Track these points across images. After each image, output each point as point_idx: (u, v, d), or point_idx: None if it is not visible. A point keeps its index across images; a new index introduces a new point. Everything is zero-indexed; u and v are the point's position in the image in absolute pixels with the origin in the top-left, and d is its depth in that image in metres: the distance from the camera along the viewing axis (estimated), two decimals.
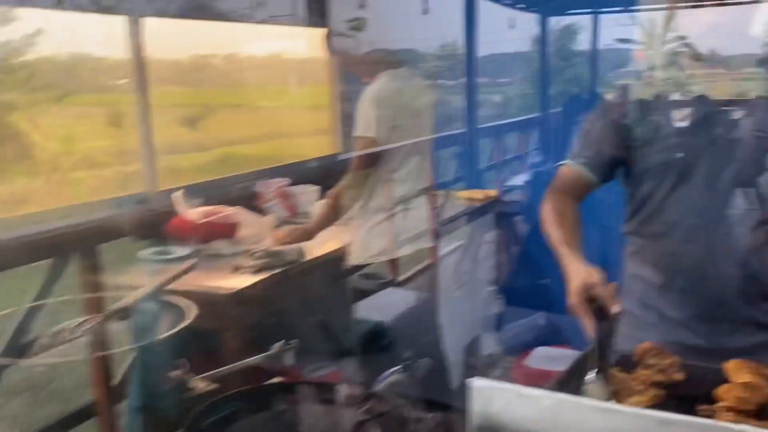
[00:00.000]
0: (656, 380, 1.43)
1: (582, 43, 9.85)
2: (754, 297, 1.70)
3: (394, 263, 3.79)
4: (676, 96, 1.74)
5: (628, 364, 1.52)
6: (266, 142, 4.85)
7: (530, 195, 4.50)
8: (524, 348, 3.09)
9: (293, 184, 3.56)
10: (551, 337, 3.18)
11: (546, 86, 7.76)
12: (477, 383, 1.01)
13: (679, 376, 1.45)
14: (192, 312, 1.84)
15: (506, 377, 2.91)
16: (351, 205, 3.40)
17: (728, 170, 1.66)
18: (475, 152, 6.03)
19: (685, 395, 1.38)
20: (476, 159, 6.06)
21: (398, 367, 1.87)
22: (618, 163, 1.80)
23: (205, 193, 3.15)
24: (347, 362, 2.93)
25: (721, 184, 1.66)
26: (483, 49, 6.34)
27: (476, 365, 2.72)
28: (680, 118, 1.72)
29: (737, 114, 1.69)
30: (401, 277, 3.89)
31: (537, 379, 3.03)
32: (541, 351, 3.23)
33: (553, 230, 1.68)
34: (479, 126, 6.22)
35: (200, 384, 1.80)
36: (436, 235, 4.74)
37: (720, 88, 1.71)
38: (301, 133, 4.51)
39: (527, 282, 3.73)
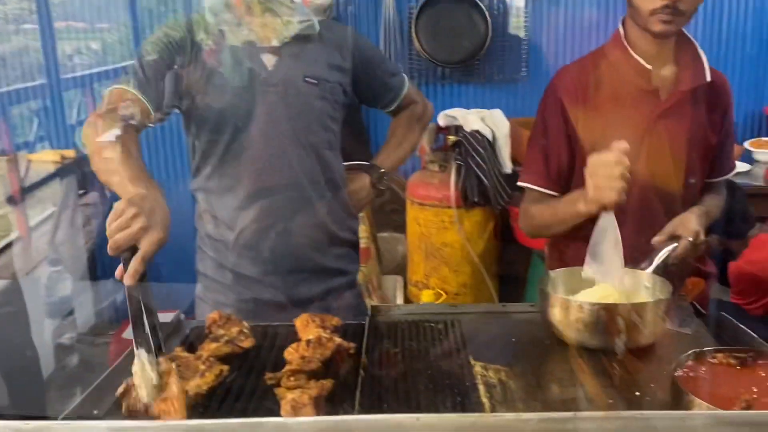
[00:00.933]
0: (224, 352, 1.33)
1: None
2: (321, 245, 1.71)
3: None
4: (231, 41, 1.62)
5: (201, 338, 1.40)
6: None
7: None
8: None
9: None
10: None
11: (144, 32, 7.27)
12: None
13: (247, 343, 1.37)
14: None
15: (106, 354, 2.63)
16: None
17: (282, 118, 1.61)
18: (61, 106, 5.38)
19: (257, 365, 1.31)
20: (62, 113, 5.41)
21: None
22: (175, 109, 1.64)
23: None
24: None
25: (277, 132, 1.62)
26: None
27: (69, 349, 2.38)
28: (221, 66, 1.60)
29: (284, 60, 1.63)
30: None
31: None
32: None
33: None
34: (66, 76, 5.55)
35: None
36: (20, 203, 4.14)
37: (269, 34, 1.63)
38: None
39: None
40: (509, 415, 0.76)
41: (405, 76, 1.87)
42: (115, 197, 1.32)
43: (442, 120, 3.25)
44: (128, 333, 2.99)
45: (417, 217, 3.21)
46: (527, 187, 1.71)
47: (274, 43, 1.63)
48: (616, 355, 1.26)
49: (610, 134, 1.48)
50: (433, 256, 3.15)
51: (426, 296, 3.06)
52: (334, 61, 1.68)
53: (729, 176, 1.73)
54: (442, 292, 3.08)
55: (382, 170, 1.83)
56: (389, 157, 1.87)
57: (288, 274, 1.68)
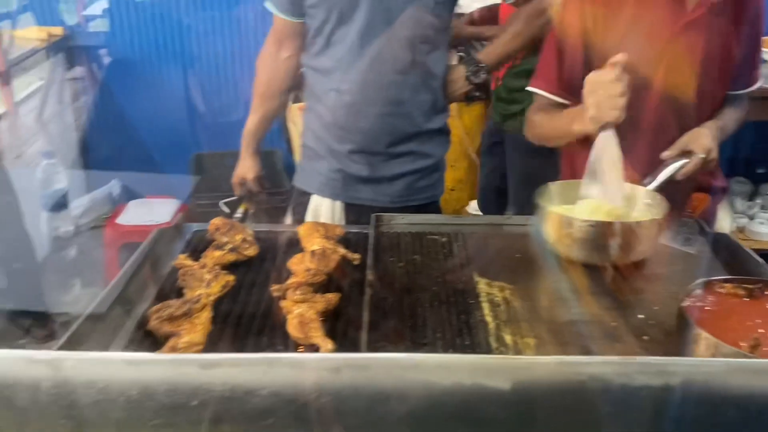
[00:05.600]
0: (229, 260, 1.32)
1: None
2: (409, 133, 1.78)
3: None
4: None
5: (201, 247, 1.39)
6: None
7: (112, 24, 4.00)
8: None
9: None
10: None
11: None
12: None
13: (251, 251, 1.36)
14: None
15: (82, 248, 2.62)
16: None
17: (383, 16, 1.67)
18: None
19: (261, 274, 1.31)
20: None
21: None
22: None
23: None
24: None
25: (377, 29, 1.68)
26: None
27: (54, 245, 2.38)
28: None
29: None
30: None
31: (133, 235, 2.82)
32: (136, 204, 2.99)
33: (252, 102, 1.92)
34: None
35: None
36: (5, 78, 4.02)
37: None
38: None
39: (112, 131, 3.37)
40: (525, 358, 0.76)
41: None
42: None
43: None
44: (122, 218, 2.97)
45: None
46: (535, 92, 1.66)
47: None
48: (621, 274, 1.27)
49: (628, 44, 1.42)
50: None
51: None
52: None
53: (753, 89, 1.67)
54: None
55: (482, 64, 1.84)
56: (494, 51, 1.89)
57: (373, 155, 1.78)
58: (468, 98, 2.25)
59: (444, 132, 1.88)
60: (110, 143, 3.44)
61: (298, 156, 3.01)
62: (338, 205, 1.82)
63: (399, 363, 0.76)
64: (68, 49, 3.87)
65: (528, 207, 1.42)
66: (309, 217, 1.83)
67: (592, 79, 1.38)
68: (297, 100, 2.70)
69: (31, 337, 2.01)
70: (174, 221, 2.66)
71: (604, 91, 1.36)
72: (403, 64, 1.73)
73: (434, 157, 1.85)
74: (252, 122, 1.96)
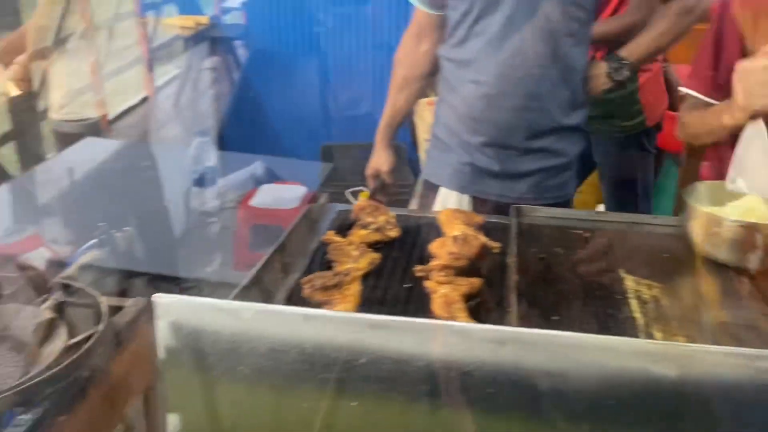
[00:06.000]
0: (373, 240, 1.37)
1: None
2: (544, 128, 1.76)
3: (99, 100, 3.35)
4: None
5: (347, 224, 1.45)
6: None
7: (249, 17, 4.18)
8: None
9: None
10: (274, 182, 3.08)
11: None
12: (162, 300, 0.83)
13: (395, 233, 1.40)
14: None
15: (225, 224, 2.76)
16: (42, 37, 2.88)
17: (527, 8, 1.65)
18: None
19: (403, 255, 1.34)
20: None
21: (94, 240, 1.62)
22: None
23: None
24: (47, 224, 2.56)
25: (519, 20, 1.66)
26: None
27: (194, 220, 2.53)
28: None
29: None
30: (109, 116, 3.46)
31: (263, 218, 2.95)
32: (267, 189, 3.11)
33: (389, 94, 1.94)
34: None
35: None
36: (149, 65, 4.27)
37: None
38: None
39: (250, 119, 3.53)
40: (694, 346, 0.75)
41: None
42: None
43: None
44: (253, 201, 3.10)
45: None
46: (687, 94, 1.62)
47: None
48: None
49: None
50: None
51: None
52: None
53: None
54: None
55: (624, 61, 1.82)
56: (638, 49, 1.84)
57: (505, 149, 1.76)
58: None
59: (580, 130, 1.85)
60: (243, 130, 3.60)
61: (422, 151, 3.05)
62: (465, 198, 1.81)
63: (566, 342, 0.76)
64: (206, 39, 4.09)
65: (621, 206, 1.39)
66: (437, 208, 1.84)
67: (742, 66, 1.35)
68: (424, 95, 2.74)
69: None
70: (301, 207, 2.77)
71: (754, 78, 1.32)
72: (544, 57, 1.70)
73: (567, 155, 1.82)
74: (388, 115, 1.98)
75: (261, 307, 0.82)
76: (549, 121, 1.76)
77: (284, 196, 2.97)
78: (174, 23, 3.58)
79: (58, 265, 1.68)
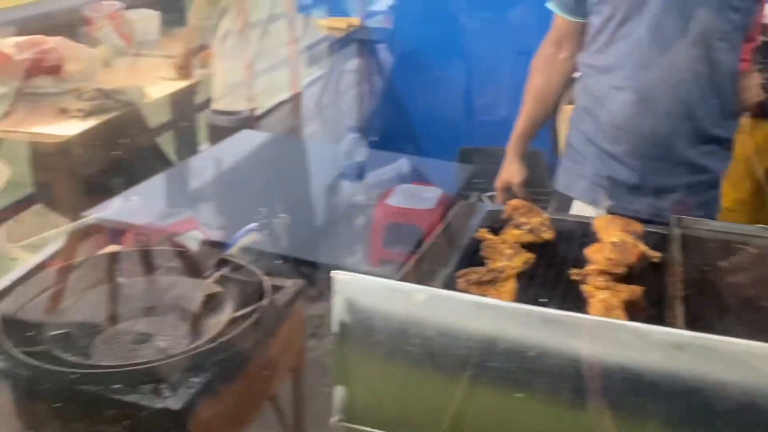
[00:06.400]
0: (526, 240, 1.36)
1: None
2: (691, 138, 1.67)
3: (251, 95, 3.53)
4: None
5: (499, 222, 1.45)
6: None
7: (394, 21, 4.26)
8: None
9: (129, 7, 3.11)
10: (415, 182, 3.12)
11: None
12: (341, 276, 0.87)
13: (548, 234, 1.39)
14: (3, 173, 1.56)
15: (368, 219, 2.83)
16: (203, 32, 3.08)
17: (676, 10, 1.58)
18: None
19: (556, 258, 1.33)
20: None
21: (254, 224, 1.71)
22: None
23: (22, 19, 2.67)
24: (202, 208, 2.73)
25: (668, 23, 1.59)
26: None
27: (338, 211, 2.61)
28: None
29: None
30: (259, 111, 3.64)
31: (399, 217, 2.99)
32: (403, 188, 3.16)
33: (523, 103, 1.87)
34: None
35: (22, 253, 1.57)
36: (297, 64, 4.44)
37: None
38: None
39: (390, 119, 3.60)
40: None
41: None
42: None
43: None
44: (390, 199, 3.16)
45: None
46: None
47: None
48: None
49: None
50: None
51: None
52: None
53: None
54: None
55: None
56: None
57: (648, 160, 1.68)
58: (764, 110, 2.08)
59: (727, 145, 1.73)
60: (385, 130, 3.67)
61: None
62: (601, 213, 1.68)
63: (751, 351, 0.73)
64: (353, 41, 4.20)
65: None
66: None
67: None
68: (570, 102, 2.68)
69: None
70: (438, 208, 2.79)
71: None
72: (694, 62, 1.60)
73: (712, 172, 1.71)
74: (522, 125, 1.89)
75: (434, 291, 0.84)
76: (696, 131, 1.66)
77: (421, 196, 3.00)
78: (326, 24, 3.71)
79: (213, 245, 1.79)
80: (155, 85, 2.68)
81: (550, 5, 1.80)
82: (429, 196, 3.06)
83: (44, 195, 2.32)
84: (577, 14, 1.75)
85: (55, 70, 2.46)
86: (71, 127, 2.20)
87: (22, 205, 2.46)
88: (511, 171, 1.90)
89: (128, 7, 3.12)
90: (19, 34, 2.50)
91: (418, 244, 1.34)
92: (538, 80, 1.86)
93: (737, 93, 1.71)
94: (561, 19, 1.79)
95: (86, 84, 2.40)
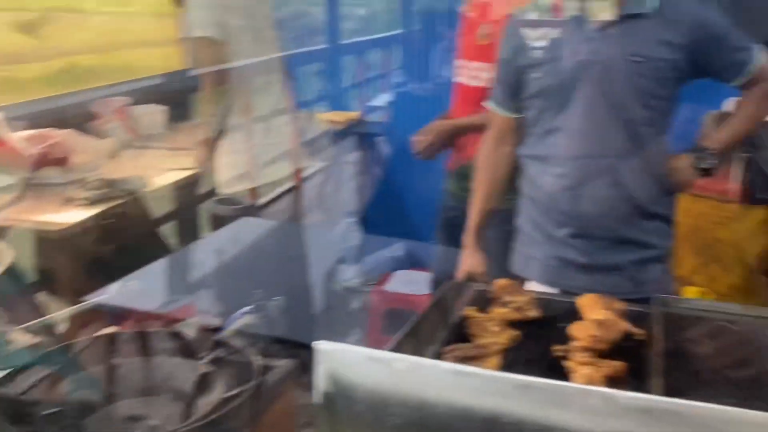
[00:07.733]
0: (512, 318, 1.40)
1: None
2: (632, 218, 1.75)
3: (254, 187, 3.63)
4: (546, 16, 1.70)
5: (485, 301, 1.49)
6: (113, 53, 4.41)
7: (393, 116, 4.42)
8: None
9: (136, 103, 3.24)
10: (411, 267, 3.17)
11: (409, 1, 7.54)
12: (323, 346, 0.90)
13: (534, 313, 1.42)
14: (7, 256, 1.61)
15: (365, 304, 2.86)
16: (207, 125, 3.20)
17: (602, 100, 1.67)
18: (338, 70, 5.81)
19: (541, 335, 1.36)
20: (339, 77, 5.84)
21: (249, 307, 1.75)
22: (517, 91, 1.81)
23: (33, 113, 2.79)
24: (202, 295, 2.77)
25: (596, 113, 1.68)
26: None
27: (335, 296, 2.65)
28: (545, 40, 1.73)
29: (610, 37, 1.66)
30: (261, 201, 3.72)
31: (396, 303, 3.02)
32: (400, 275, 3.21)
33: (474, 199, 1.91)
34: (342, 42, 5.97)
35: (21, 337, 1.60)
36: (299, 156, 4.57)
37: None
38: (147, 43, 4.11)
39: (388, 208, 3.69)
40: None
41: (759, 48, 1.73)
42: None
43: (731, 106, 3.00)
44: (388, 285, 3.19)
45: (689, 208, 3.01)
46: None
47: (605, 18, 1.66)
48: None
49: None
50: (702, 252, 2.95)
51: (689, 294, 2.89)
52: (665, 38, 1.66)
53: None
54: (708, 291, 2.89)
55: (708, 150, 1.75)
56: (723, 136, 1.80)
57: (594, 240, 1.75)
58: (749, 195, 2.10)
59: (667, 221, 1.81)
60: (383, 217, 3.75)
61: None
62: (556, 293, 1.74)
63: (719, 416, 0.76)
64: (352, 134, 4.35)
65: None
66: None
67: None
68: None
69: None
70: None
71: None
72: (624, 148, 1.70)
73: (657, 248, 1.78)
74: (475, 218, 1.92)
75: (413, 359, 0.87)
76: (636, 210, 1.74)
77: (417, 281, 3.04)
78: (326, 117, 3.85)
79: (209, 329, 1.82)
80: (159, 175, 2.75)
81: (486, 104, 1.91)
82: (424, 281, 3.10)
83: (46, 282, 2.37)
84: (512, 110, 1.85)
85: (62, 162, 2.56)
86: (74, 215, 2.27)
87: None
88: (472, 263, 1.90)
89: (135, 103, 3.25)
90: (30, 127, 2.61)
91: None
92: (484, 176, 1.92)
93: (668, 174, 1.77)
94: (499, 116, 1.88)
95: (92, 174, 2.49)
